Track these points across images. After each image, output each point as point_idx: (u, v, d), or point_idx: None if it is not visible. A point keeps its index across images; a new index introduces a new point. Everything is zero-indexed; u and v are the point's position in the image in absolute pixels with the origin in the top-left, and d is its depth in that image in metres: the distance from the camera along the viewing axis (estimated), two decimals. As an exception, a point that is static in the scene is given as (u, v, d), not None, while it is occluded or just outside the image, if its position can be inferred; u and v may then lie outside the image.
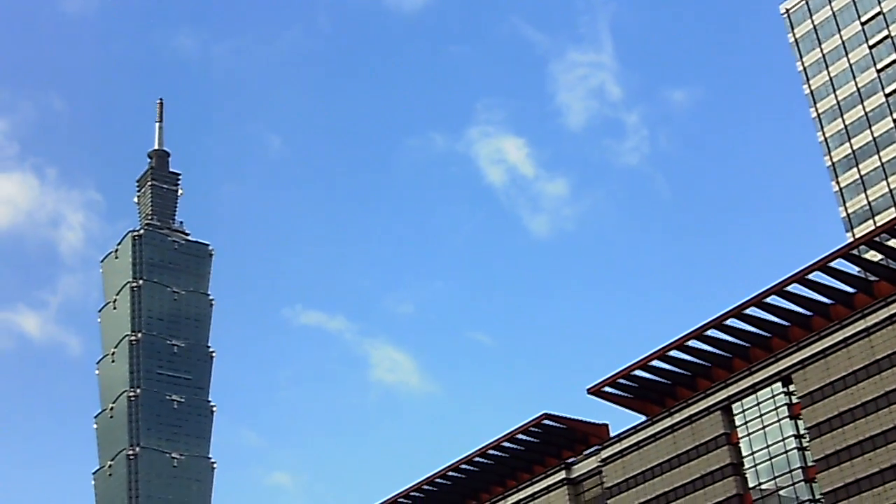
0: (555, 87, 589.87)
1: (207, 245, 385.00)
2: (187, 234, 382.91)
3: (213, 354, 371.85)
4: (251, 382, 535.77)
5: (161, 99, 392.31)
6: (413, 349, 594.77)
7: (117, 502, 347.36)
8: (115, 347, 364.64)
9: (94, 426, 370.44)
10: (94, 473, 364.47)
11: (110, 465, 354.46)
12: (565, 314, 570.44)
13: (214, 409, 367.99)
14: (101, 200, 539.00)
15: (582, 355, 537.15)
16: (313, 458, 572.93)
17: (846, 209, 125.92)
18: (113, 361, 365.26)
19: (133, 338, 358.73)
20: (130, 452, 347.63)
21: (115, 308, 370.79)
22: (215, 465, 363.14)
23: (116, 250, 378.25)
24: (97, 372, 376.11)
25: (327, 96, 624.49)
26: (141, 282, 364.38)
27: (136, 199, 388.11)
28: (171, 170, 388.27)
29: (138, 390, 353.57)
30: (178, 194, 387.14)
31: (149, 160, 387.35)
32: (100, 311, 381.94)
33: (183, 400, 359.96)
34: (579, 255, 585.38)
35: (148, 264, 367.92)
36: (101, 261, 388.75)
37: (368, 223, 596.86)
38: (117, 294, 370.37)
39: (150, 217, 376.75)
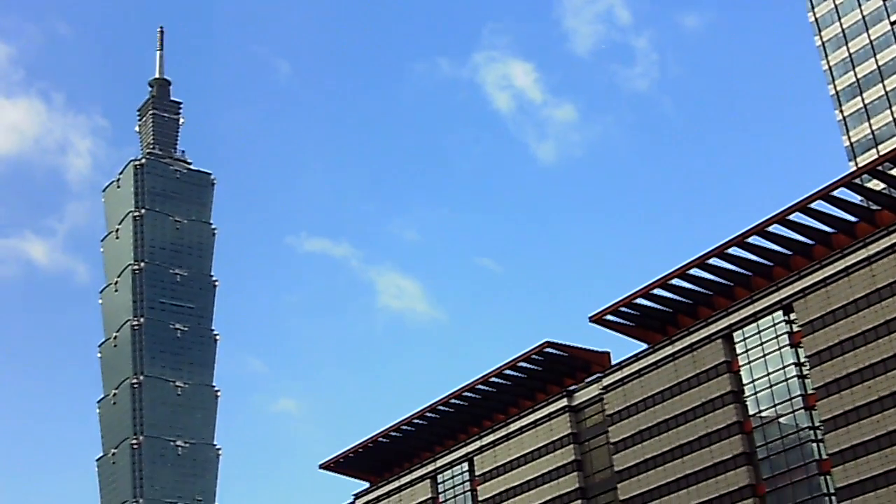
0: (562, 11, 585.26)
1: (209, 174, 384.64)
2: (189, 164, 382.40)
3: (217, 283, 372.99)
4: (255, 310, 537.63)
5: (161, 27, 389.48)
6: (419, 275, 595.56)
7: (122, 430, 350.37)
8: (118, 277, 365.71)
9: (98, 355, 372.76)
10: (98, 402, 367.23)
11: (115, 394, 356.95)
12: (571, 241, 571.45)
13: (218, 337, 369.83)
14: (108, 126, 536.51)
15: (586, 283, 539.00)
16: (319, 385, 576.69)
17: (849, 138, 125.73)
18: (116, 291, 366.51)
19: (136, 267, 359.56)
20: (134, 381, 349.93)
21: (117, 237, 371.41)
22: (219, 394, 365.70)
23: (118, 179, 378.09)
24: (100, 301, 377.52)
25: (332, 21, 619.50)
26: (143, 211, 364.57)
27: (137, 129, 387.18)
28: (172, 98, 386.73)
29: (141, 319, 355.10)
30: (180, 123, 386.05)
31: (150, 89, 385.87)
32: (102, 240, 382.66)
33: (186, 329, 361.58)
34: (586, 181, 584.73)
35: (150, 193, 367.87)
36: (103, 190, 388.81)
37: (374, 149, 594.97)
38: (119, 223, 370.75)
39: (151, 146, 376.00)
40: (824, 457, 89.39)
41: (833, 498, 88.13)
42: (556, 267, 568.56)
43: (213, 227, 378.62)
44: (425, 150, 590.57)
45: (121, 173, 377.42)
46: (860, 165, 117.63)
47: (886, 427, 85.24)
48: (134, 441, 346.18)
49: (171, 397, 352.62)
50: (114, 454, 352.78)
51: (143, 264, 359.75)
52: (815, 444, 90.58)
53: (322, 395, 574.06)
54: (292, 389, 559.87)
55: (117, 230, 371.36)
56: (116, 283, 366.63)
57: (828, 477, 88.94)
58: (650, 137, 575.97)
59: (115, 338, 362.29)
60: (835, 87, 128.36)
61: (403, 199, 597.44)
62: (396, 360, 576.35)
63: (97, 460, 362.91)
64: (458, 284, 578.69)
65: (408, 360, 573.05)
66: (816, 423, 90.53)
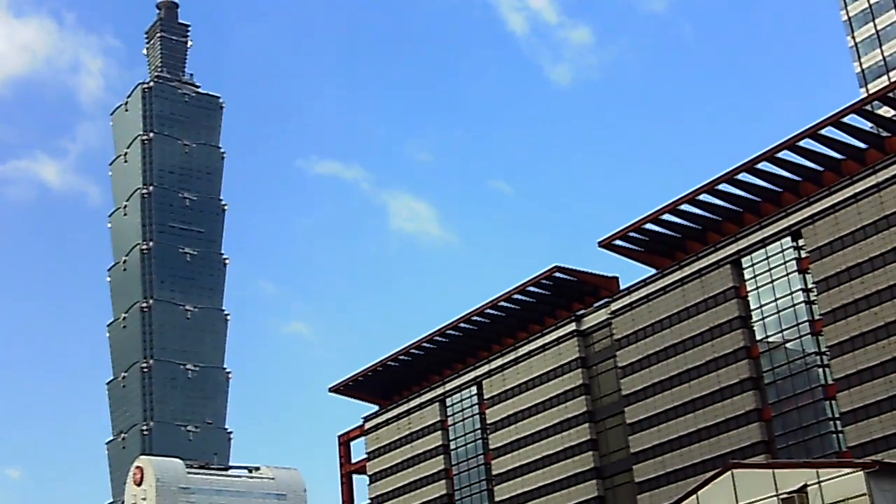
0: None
1: (218, 97, 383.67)
2: (198, 87, 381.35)
3: (226, 207, 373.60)
4: (266, 234, 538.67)
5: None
6: (432, 198, 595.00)
7: (131, 354, 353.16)
8: (127, 201, 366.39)
9: (108, 279, 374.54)
10: (108, 325, 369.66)
11: (124, 318, 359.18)
12: (584, 165, 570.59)
13: (227, 261, 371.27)
14: (120, 47, 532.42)
15: (597, 207, 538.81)
16: (331, 308, 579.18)
17: (861, 64, 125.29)
18: (125, 215, 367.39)
19: (144, 191, 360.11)
20: (144, 305, 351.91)
21: (125, 161, 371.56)
22: (229, 317, 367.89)
23: (126, 103, 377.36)
24: (109, 225, 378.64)
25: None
26: (151, 135, 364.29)
27: (145, 52, 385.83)
28: (180, 21, 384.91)
29: (151, 243, 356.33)
30: (188, 46, 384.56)
31: (157, 11, 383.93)
32: (111, 164, 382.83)
33: (195, 253, 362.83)
34: (601, 104, 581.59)
35: (158, 117, 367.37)
36: (111, 113, 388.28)
37: (386, 71, 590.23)
38: (128, 147, 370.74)
39: (159, 69, 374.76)
40: (830, 382, 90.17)
41: (838, 422, 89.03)
42: (568, 191, 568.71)
43: (221, 150, 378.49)
44: (438, 71, 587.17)
45: (129, 96, 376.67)
46: (871, 92, 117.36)
47: (892, 353, 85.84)
48: (144, 364, 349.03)
49: (180, 321, 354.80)
50: (124, 378, 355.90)
51: (151, 188, 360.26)
52: (821, 370, 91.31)
53: (333, 318, 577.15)
54: (303, 312, 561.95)
55: (125, 154, 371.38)
56: (125, 206, 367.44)
57: (833, 402, 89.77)
58: (666, 61, 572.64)
59: (125, 262, 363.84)
60: (847, 13, 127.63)
61: (416, 120, 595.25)
62: (409, 282, 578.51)
63: (107, 384, 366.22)
64: (471, 207, 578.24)
65: (420, 283, 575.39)
66: (823, 349, 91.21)
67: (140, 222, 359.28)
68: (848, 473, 53.18)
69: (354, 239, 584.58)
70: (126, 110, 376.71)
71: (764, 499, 55.16)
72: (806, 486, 53.54)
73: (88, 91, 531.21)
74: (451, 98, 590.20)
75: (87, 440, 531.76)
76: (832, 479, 53.23)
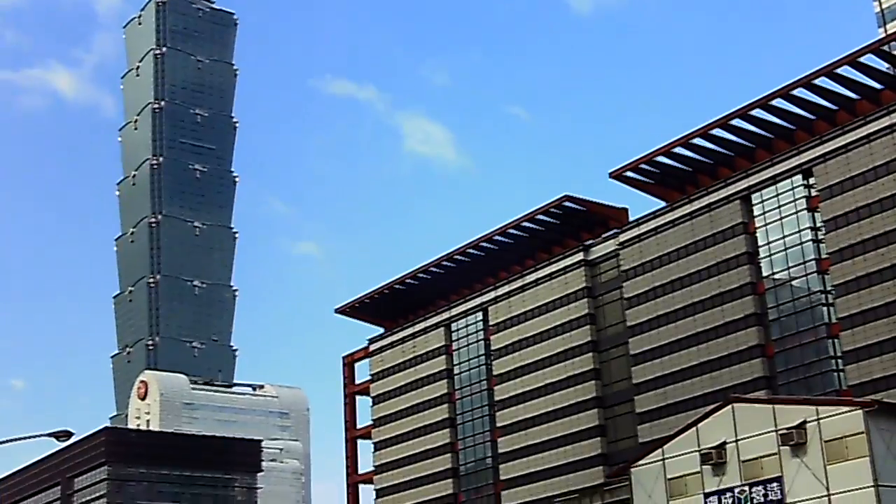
0: None
1: (232, 13, 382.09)
2: (212, 2, 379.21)
3: (237, 124, 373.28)
4: (278, 153, 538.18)
5: None
6: (448, 121, 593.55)
7: (139, 269, 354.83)
8: (138, 115, 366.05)
9: (117, 193, 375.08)
10: (116, 240, 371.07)
11: (132, 233, 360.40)
12: (601, 94, 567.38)
13: (237, 179, 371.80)
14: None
15: (612, 137, 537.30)
16: (341, 229, 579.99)
17: (880, 4, 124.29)
18: (136, 129, 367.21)
19: (156, 106, 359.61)
20: (152, 220, 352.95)
21: (137, 75, 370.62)
22: (237, 235, 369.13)
23: (140, 16, 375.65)
24: (119, 139, 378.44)
25: None
26: (164, 49, 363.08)
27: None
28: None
29: (161, 158, 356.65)
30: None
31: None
32: (123, 77, 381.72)
33: (206, 169, 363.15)
34: (621, 34, 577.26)
35: (171, 32, 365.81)
36: (124, 26, 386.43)
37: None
38: (140, 61, 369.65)
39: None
40: (834, 321, 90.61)
41: (839, 361, 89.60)
42: (584, 120, 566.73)
43: (234, 67, 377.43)
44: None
45: (142, 9, 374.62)
46: (889, 32, 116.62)
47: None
48: (151, 280, 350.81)
49: (188, 237, 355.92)
50: (131, 292, 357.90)
51: (163, 103, 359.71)
52: (825, 308, 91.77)
53: (344, 240, 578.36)
54: (314, 232, 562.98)
55: (138, 67, 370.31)
56: (136, 121, 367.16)
57: (836, 340, 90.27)
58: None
59: (134, 176, 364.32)
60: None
61: (433, 42, 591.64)
62: (421, 206, 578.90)
63: (114, 297, 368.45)
64: (487, 132, 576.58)
65: (432, 207, 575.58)
66: (828, 288, 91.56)
67: (151, 137, 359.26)
68: (847, 412, 53.79)
69: (367, 160, 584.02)
70: (139, 23, 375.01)
71: (763, 434, 55.81)
72: (805, 422, 54.15)
73: (105, 1, 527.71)
74: (468, 21, 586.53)
75: (92, 353, 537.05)
76: (831, 416, 53.84)
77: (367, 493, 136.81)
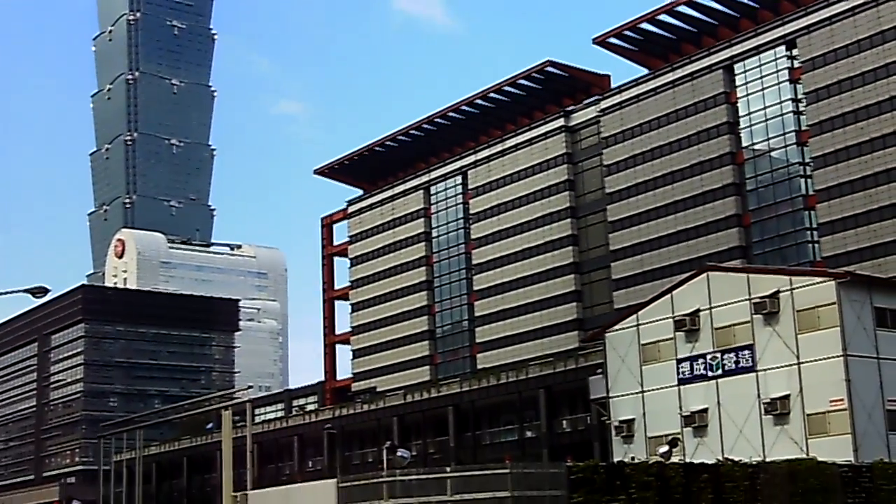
0: None
1: None
2: None
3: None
4: (263, 8, 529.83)
5: None
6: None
7: (115, 126, 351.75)
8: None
9: (93, 48, 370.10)
10: (92, 96, 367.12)
11: (109, 89, 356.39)
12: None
13: (216, 36, 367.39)
14: None
15: (600, 4, 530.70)
16: (326, 88, 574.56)
17: None
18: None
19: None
20: (129, 77, 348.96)
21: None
22: (216, 94, 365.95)
23: None
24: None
25: None
26: None
27: None
28: None
29: (138, 14, 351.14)
30: None
31: None
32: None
33: (184, 26, 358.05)
34: None
35: None
36: None
37: None
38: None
39: None
40: (811, 192, 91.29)
41: (815, 233, 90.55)
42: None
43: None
44: None
45: None
46: None
47: (873, 168, 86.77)
48: (128, 137, 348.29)
49: (166, 95, 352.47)
50: (107, 150, 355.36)
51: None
52: (802, 180, 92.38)
53: (328, 99, 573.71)
54: (297, 90, 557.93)
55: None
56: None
57: (812, 212, 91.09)
58: None
59: (111, 32, 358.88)
60: None
61: None
62: (408, 67, 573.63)
63: (90, 155, 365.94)
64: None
65: (419, 69, 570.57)
66: (807, 160, 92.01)
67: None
68: (820, 282, 54.44)
69: (355, 17, 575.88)
70: None
71: (737, 302, 56.56)
72: (778, 291, 54.83)
73: None
74: None
75: (68, 211, 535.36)
76: (804, 286, 54.54)
77: (343, 353, 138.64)
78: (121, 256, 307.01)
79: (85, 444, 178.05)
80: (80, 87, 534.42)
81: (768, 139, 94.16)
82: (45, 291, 38.61)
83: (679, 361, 59.11)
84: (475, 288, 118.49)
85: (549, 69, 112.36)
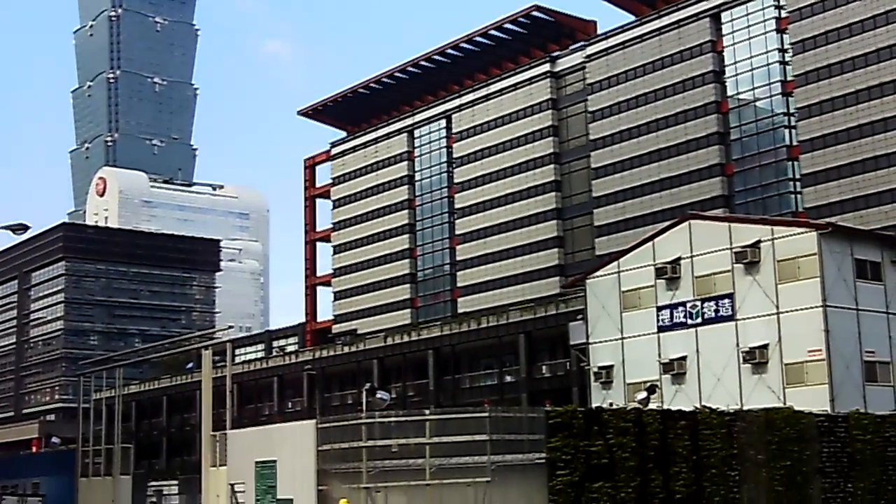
0: None
1: None
2: None
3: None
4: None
5: None
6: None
7: (98, 63, 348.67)
8: None
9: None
10: (74, 32, 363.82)
11: (91, 26, 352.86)
12: None
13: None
14: None
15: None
16: (312, 28, 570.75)
17: None
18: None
19: None
20: (112, 14, 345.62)
21: None
22: (199, 32, 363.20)
23: None
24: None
25: None
26: None
27: None
28: None
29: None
30: None
31: None
32: None
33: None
34: None
35: None
36: None
37: None
38: None
39: None
40: (795, 143, 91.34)
41: (798, 183, 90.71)
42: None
43: None
44: None
45: None
46: None
47: (858, 120, 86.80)
48: (110, 75, 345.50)
49: (149, 33, 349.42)
50: (89, 87, 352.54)
51: None
52: (787, 130, 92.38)
53: (314, 40, 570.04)
54: (283, 31, 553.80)
55: None
56: None
57: (795, 163, 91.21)
58: None
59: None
60: None
61: None
62: (395, 9, 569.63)
63: (72, 92, 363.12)
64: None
65: (406, 11, 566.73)
66: (791, 110, 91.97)
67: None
68: (801, 233, 54.49)
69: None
70: None
71: (718, 251, 56.65)
72: (759, 241, 54.92)
73: None
74: None
75: (49, 148, 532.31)
76: (785, 237, 54.62)
77: (325, 295, 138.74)
78: (102, 195, 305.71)
79: (65, 381, 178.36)
80: (62, 24, 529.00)
81: (754, 89, 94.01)
82: (25, 228, 38.29)
83: (659, 309, 59.27)
84: (457, 232, 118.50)
85: (536, 14, 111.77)
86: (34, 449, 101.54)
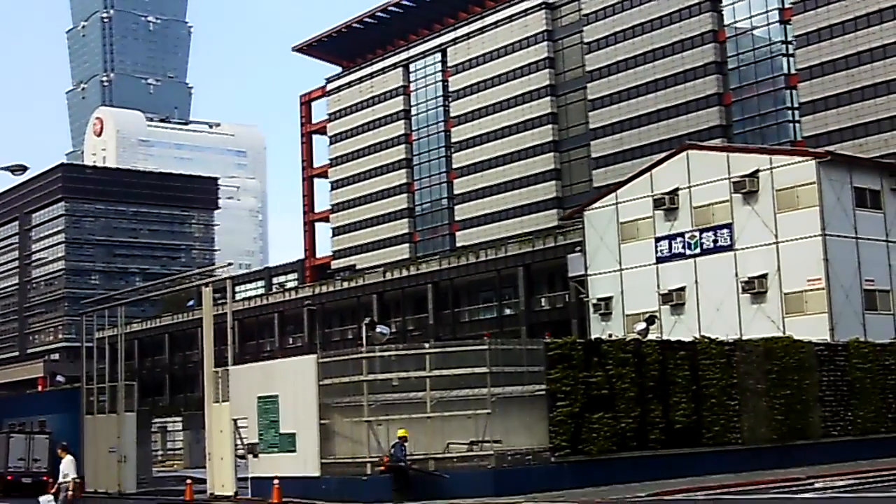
0: None
1: None
2: None
3: None
4: None
5: None
6: None
7: (91, 3, 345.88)
8: None
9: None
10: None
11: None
12: None
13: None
14: None
15: None
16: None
17: None
18: None
19: None
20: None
21: None
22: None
23: None
24: None
25: None
26: None
27: None
28: None
29: None
30: None
31: None
32: None
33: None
34: None
35: None
36: None
37: None
38: None
39: None
40: (793, 72, 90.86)
41: (796, 112, 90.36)
42: None
43: None
44: None
45: None
46: None
47: (856, 47, 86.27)
48: (104, 14, 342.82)
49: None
50: (84, 27, 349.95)
51: None
52: (785, 59, 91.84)
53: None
54: None
55: None
56: None
57: (793, 91, 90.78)
58: None
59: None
60: None
61: None
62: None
63: (67, 32, 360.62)
64: None
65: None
66: (789, 38, 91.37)
67: None
68: (800, 162, 54.35)
69: None
70: None
71: (716, 181, 56.53)
72: (758, 171, 54.78)
73: None
74: None
75: (46, 89, 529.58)
76: (784, 166, 54.47)
77: (323, 231, 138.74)
78: (99, 135, 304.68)
79: (67, 321, 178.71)
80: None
81: (751, 17, 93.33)
82: (23, 169, 38.22)
83: (657, 240, 59.29)
84: (454, 166, 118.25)
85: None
86: (40, 388, 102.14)
